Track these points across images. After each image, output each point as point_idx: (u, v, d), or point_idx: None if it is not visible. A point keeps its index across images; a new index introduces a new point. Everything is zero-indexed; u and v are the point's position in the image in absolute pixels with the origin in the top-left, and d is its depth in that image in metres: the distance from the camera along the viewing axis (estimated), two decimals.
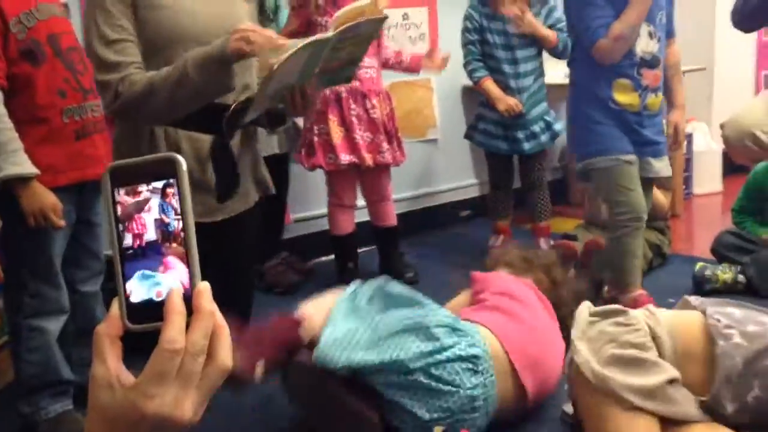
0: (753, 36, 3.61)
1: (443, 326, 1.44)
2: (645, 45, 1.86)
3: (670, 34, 1.96)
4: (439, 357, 1.39)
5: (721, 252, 2.36)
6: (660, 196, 2.58)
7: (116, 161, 0.55)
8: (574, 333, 1.25)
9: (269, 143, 2.49)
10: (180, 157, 0.53)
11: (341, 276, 2.51)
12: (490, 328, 1.51)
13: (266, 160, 2.47)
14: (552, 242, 2.59)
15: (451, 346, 1.41)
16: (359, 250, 2.66)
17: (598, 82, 1.89)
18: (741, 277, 2.24)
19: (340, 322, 1.48)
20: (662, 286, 2.22)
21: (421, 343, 1.41)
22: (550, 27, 2.62)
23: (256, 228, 1.78)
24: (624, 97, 1.88)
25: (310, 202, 2.82)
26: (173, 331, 0.51)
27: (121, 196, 0.54)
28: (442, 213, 3.28)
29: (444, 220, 3.26)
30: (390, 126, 2.52)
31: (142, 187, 0.54)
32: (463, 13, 2.69)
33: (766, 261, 2.22)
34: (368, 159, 2.43)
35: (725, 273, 2.25)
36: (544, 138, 2.65)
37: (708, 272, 2.26)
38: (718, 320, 1.21)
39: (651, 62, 1.88)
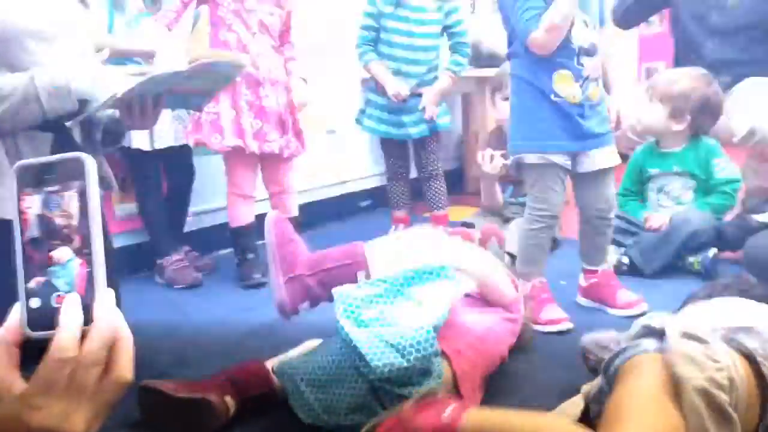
0: (634, 31, 3.78)
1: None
2: (582, 34, 1.85)
3: (602, 21, 1.96)
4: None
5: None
6: None
7: (23, 160, 0.53)
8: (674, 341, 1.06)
9: (165, 135, 2.44)
10: (89, 157, 0.52)
11: (241, 268, 2.50)
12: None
13: (165, 153, 2.45)
14: (449, 230, 2.64)
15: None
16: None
17: (538, 74, 1.86)
18: (625, 259, 2.36)
19: None
20: (554, 270, 2.31)
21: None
22: (447, 28, 2.68)
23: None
24: (565, 88, 1.86)
25: (211, 194, 2.78)
26: (64, 339, 0.49)
27: (27, 195, 0.52)
28: (342, 204, 3.30)
29: (344, 210, 3.28)
30: (286, 117, 2.48)
31: (48, 187, 0.52)
32: (360, 2, 2.71)
33: (647, 242, 2.35)
34: (253, 146, 2.39)
35: (610, 253, 2.36)
36: (432, 124, 2.71)
37: None
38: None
39: (590, 51, 1.86)
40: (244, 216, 2.51)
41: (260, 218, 2.66)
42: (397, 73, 2.64)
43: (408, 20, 2.64)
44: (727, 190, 2.49)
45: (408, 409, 1.16)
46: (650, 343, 1.10)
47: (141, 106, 1.52)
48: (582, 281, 2.11)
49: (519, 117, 1.95)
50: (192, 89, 1.60)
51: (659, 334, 1.11)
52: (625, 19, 2.82)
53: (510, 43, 1.95)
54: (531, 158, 1.90)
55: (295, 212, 2.63)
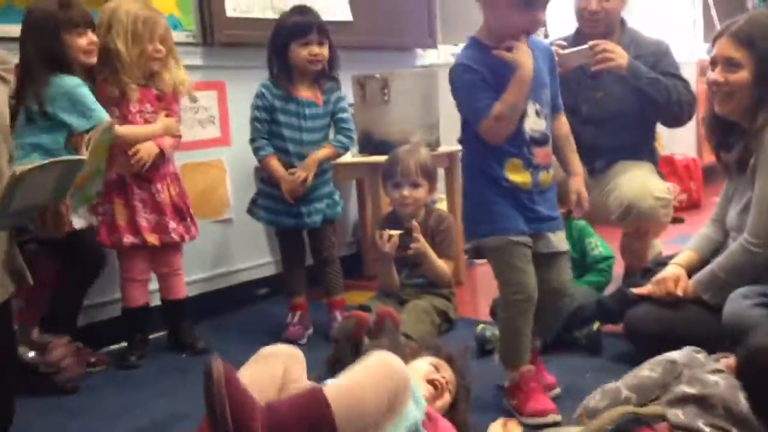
0: None
1: None
2: (533, 123, 1.87)
3: (556, 109, 1.98)
4: None
5: (497, 312, 2.55)
6: (443, 265, 2.76)
7: None
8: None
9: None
10: None
11: (130, 350, 2.58)
12: None
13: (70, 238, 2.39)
14: (345, 314, 2.66)
15: None
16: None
17: (489, 162, 1.87)
18: None
19: None
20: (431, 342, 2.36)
21: None
22: (333, 115, 2.76)
23: (8, 325, 1.68)
24: (516, 176, 1.87)
25: (104, 286, 2.71)
26: None
27: None
28: (240, 292, 3.28)
29: (241, 299, 3.25)
30: (181, 204, 2.62)
31: None
32: (252, 95, 2.76)
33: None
34: (152, 239, 2.53)
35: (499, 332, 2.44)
36: (329, 212, 2.76)
37: (488, 333, 2.44)
38: None
39: (540, 140, 1.88)
40: (136, 297, 2.60)
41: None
42: (289, 167, 2.68)
43: (298, 115, 2.70)
44: (603, 267, 2.65)
45: None
46: None
47: (54, 211, 1.50)
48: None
49: (472, 202, 1.95)
50: (84, 176, 1.59)
51: None
52: None
53: (463, 131, 1.96)
54: (494, 241, 1.88)
55: (183, 294, 2.71)
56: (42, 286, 2.27)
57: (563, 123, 2.02)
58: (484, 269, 3.61)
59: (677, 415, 1.49)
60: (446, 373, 1.76)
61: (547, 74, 1.93)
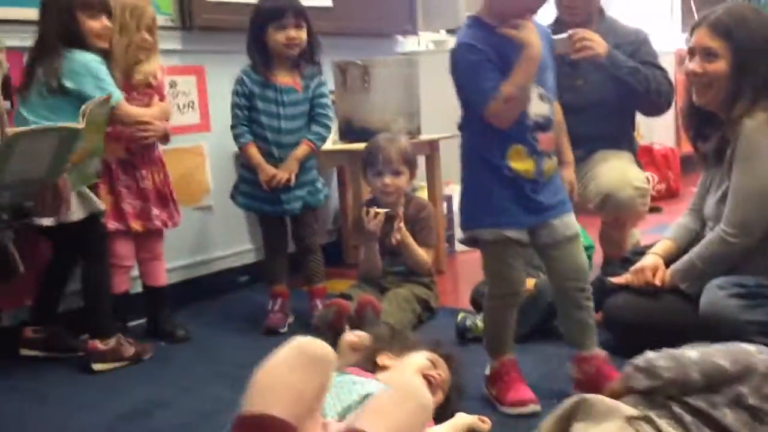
0: None
1: None
2: (537, 108, 1.80)
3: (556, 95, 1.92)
4: None
5: (478, 301, 2.57)
6: (423, 254, 2.77)
7: None
8: None
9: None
10: None
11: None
12: None
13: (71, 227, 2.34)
14: (326, 302, 2.67)
15: None
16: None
17: (491, 149, 1.80)
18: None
19: None
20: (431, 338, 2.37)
21: None
22: (312, 100, 2.72)
23: None
24: (519, 163, 1.79)
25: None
26: None
27: None
28: (220, 280, 3.27)
29: (222, 286, 3.24)
30: (165, 191, 2.63)
31: None
32: (232, 80, 2.74)
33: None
34: (136, 225, 2.56)
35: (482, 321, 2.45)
36: (309, 199, 2.75)
37: (468, 322, 2.45)
38: None
39: (544, 125, 1.82)
40: (118, 284, 2.59)
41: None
42: (268, 155, 2.67)
43: (276, 102, 2.68)
44: None
45: None
46: None
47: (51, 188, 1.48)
48: (575, 372, 1.92)
49: (470, 191, 1.89)
50: (82, 153, 1.56)
51: None
52: None
53: (463, 116, 1.88)
54: (485, 234, 1.83)
55: (164, 281, 2.72)
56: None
57: (558, 110, 1.98)
58: (464, 257, 3.63)
59: (726, 414, 1.42)
60: (442, 371, 1.77)
61: (549, 57, 1.86)
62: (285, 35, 2.63)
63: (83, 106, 2.05)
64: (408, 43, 4.15)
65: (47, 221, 2.21)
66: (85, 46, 2.32)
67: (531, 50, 1.71)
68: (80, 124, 1.53)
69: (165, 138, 2.62)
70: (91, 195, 2.31)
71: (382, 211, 2.67)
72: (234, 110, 2.69)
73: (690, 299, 2.12)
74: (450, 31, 4.30)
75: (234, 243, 3.34)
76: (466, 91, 1.82)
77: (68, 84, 2.25)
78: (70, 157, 1.55)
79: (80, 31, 2.31)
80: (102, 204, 2.38)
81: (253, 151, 2.66)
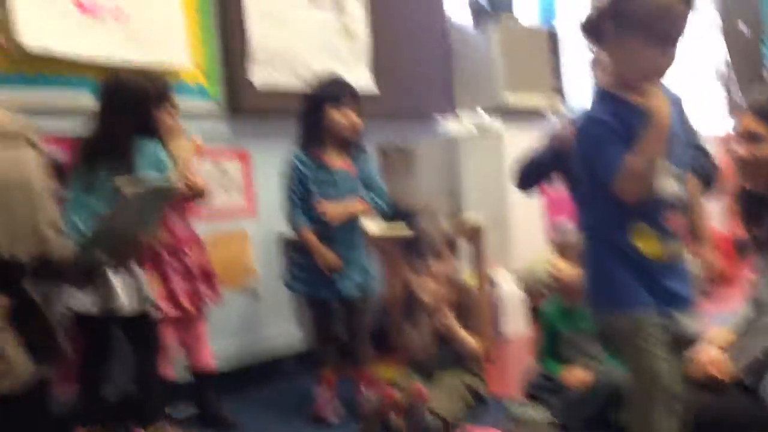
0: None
1: None
2: (665, 184, 1.66)
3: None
4: None
5: (531, 392, 2.50)
6: (471, 340, 2.71)
7: None
8: None
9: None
10: None
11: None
12: None
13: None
14: (373, 393, 2.60)
15: None
16: None
17: (615, 227, 1.67)
18: (551, 417, 2.37)
19: None
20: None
21: None
22: (366, 181, 2.75)
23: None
24: (646, 244, 1.65)
25: None
26: None
27: None
28: (265, 365, 3.23)
29: (267, 371, 3.21)
30: (207, 268, 2.63)
31: None
32: (277, 164, 2.76)
33: (571, 400, 2.39)
34: (189, 307, 2.54)
35: (537, 413, 2.38)
36: (364, 284, 2.74)
37: (520, 412, 2.38)
38: None
39: (674, 204, 1.68)
40: (167, 370, 2.54)
41: None
42: (324, 238, 2.67)
43: (331, 184, 2.70)
44: None
45: None
46: None
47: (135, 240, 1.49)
48: None
49: (593, 272, 1.74)
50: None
51: None
52: (526, 184, 2.96)
53: (582, 190, 1.76)
54: (622, 321, 1.65)
55: (212, 365, 2.67)
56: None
57: (693, 184, 1.83)
58: (513, 343, 3.57)
59: None
60: None
61: (680, 127, 1.71)
62: (343, 115, 2.68)
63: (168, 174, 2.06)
64: (449, 126, 4.18)
65: (94, 309, 2.20)
66: (156, 137, 2.36)
67: (658, 119, 1.59)
68: (175, 184, 1.56)
69: (200, 193, 2.56)
70: (143, 283, 2.31)
71: (434, 282, 2.64)
72: (288, 195, 2.71)
73: (749, 390, 2.04)
74: (488, 110, 4.34)
75: (280, 328, 3.30)
76: (589, 164, 1.69)
77: (142, 171, 2.26)
78: (159, 216, 1.57)
79: (154, 124, 2.37)
80: (152, 293, 2.38)
81: (310, 236, 2.66)
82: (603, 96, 1.71)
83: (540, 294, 2.66)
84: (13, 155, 1.65)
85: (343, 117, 2.67)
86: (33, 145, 1.73)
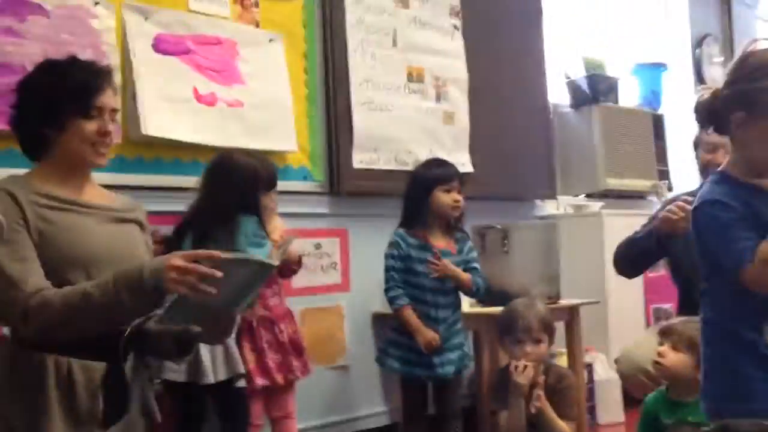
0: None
1: None
2: None
3: None
4: None
5: None
6: (565, 426, 2.63)
7: None
8: None
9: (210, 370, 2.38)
10: None
11: None
12: None
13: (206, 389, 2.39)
14: None
15: None
16: None
17: (743, 320, 1.56)
18: None
19: None
20: None
21: None
22: (466, 263, 2.79)
23: None
24: None
25: None
26: None
27: None
28: None
29: None
30: (298, 341, 2.64)
31: None
32: (373, 242, 2.83)
33: None
34: (279, 379, 2.53)
35: None
36: (459, 363, 2.74)
37: None
38: None
39: None
40: None
41: None
42: (426, 317, 2.70)
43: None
44: None
45: None
46: None
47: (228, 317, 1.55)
48: None
49: (717, 369, 1.63)
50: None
51: None
52: (630, 270, 2.89)
53: (706, 279, 1.66)
54: (747, 426, 1.49)
55: None
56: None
57: None
58: (607, 431, 3.43)
59: None
60: None
61: None
62: (452, 198, 2.76)
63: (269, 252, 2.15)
64: (547, 207, 4.16)
65: (182, 377, 2.29)
66: (257, 213, 2.47)
67: None
68: (276, 261, 1.62)
69: (296, 269, 2.64)
70: (236, 354, 2.39)
71: (531, 363, 2.59)
72: (389, 273, 2.75)
73: None
74: (589, 196, 4.30)
75: (369, 404, 3.31)
76: (715, 253, 1.59)
77: (240, 248, 2.36)
78: (255, 293, 1.63)
79: (259, 203, 2.47)
80: (242, 366, 2.43)
81: (410, 314, 2.70)
82: (727, 179, 1.63)
83: (639, 381, 2.55)
84: (126, 231, 1.77)
85: (450, 199, 2.74)
86: (140, 225, 1.85)
